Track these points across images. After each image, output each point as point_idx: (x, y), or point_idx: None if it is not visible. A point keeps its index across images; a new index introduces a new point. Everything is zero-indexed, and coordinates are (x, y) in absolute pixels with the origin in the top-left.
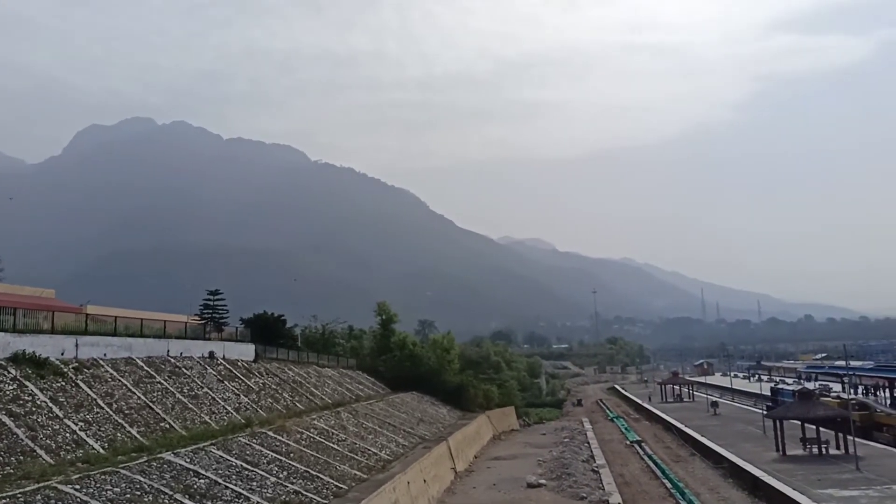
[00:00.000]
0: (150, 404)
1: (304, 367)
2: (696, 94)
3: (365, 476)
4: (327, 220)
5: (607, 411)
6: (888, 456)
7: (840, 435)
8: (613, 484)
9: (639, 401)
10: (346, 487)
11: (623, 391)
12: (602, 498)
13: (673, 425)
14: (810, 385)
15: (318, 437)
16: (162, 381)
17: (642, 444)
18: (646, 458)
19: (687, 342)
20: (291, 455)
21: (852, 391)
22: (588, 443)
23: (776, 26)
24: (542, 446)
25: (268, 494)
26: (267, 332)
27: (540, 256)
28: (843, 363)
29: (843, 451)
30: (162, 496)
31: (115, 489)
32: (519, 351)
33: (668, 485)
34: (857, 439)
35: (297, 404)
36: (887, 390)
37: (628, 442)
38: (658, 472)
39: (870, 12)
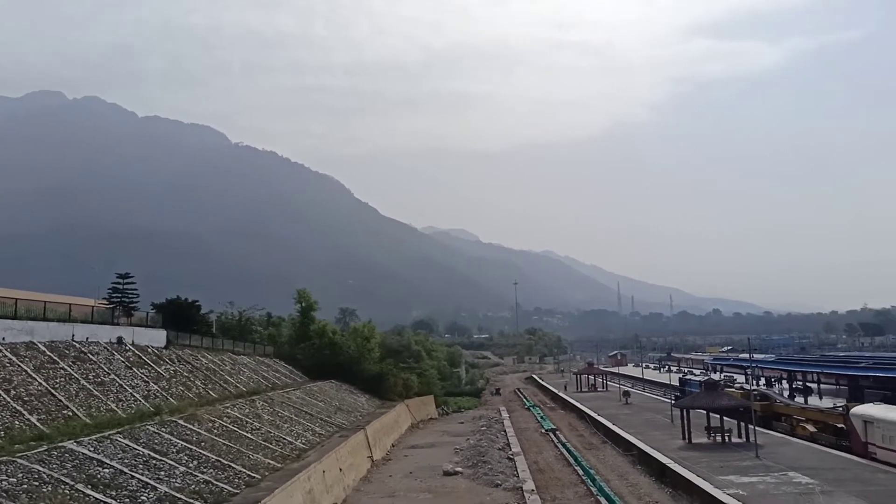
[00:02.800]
0: (53, 391)
1: (219, 355)
2: (618, 93)
3: (279, 465)
4: (247, 205)
5: (525, 400)
6: (785, 444)
7: (742, 424)
8: (528, 471)
9: (555, 390)
10: (259, 477)
11: (540, 381)
12: (516, 485)
13: (586, 414)
14: (716, 376)
15: (231, 426)
16: (66, 367)
17: (557, 432)
18: (560, 445)
19: (603, 334)
20: (203, 444)
21: (755, 382)
22: (505, 431)
23: (694, 31)
24: (460, 434)
25: (176, 484)
26: (180, 317)
27: (463, 247)
28: (747, 356)
29: (745, 440)
30: (62, 486)
31: (11, 479)
32: (440, 340)
33: (580, 472)
34: (757, 428)
35: (210, 392)
36: (786, 382)
37: (544, 430)
38: (571, 460)
39: (782, 21)
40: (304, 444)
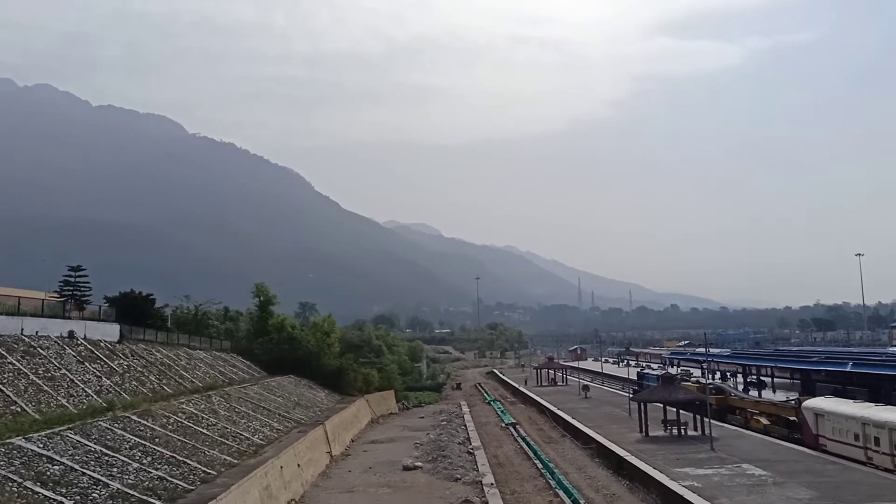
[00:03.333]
0: (0, 386)
1: (174, 349)
2: (578, 90)
3: (236, 461)
4: (205, 197)
5: (485, 395)
6: (739, 437)
7: (698, 417)
8: (487, 465)
9: (515, 385)
10: (215, 473)
11: (501, 375)
12: (476, 479)
13: (546, 408)
14: (673, 370)
15: (186, 422)
16: (14, 362)
17: (517, 426)
18: (520, 439)
19: (563, 328)
20: (157, 440)
21: (711, 376)
22: (465, 426)
23: (654, 29)
24: (420, 429)
25: (129, 481)
26: (134, 311)
27: (425, 241)
28: (703, 350)
29: (700, 432)
30: (10, 484)
31: None
32: (401, 335)
33: (540, 465)
34: (712, 421)
35: (165, 388)
36: (741, 376)
37: (504, 424)
38: (530, 454)
39: (740, 21)
40: (261, 439)
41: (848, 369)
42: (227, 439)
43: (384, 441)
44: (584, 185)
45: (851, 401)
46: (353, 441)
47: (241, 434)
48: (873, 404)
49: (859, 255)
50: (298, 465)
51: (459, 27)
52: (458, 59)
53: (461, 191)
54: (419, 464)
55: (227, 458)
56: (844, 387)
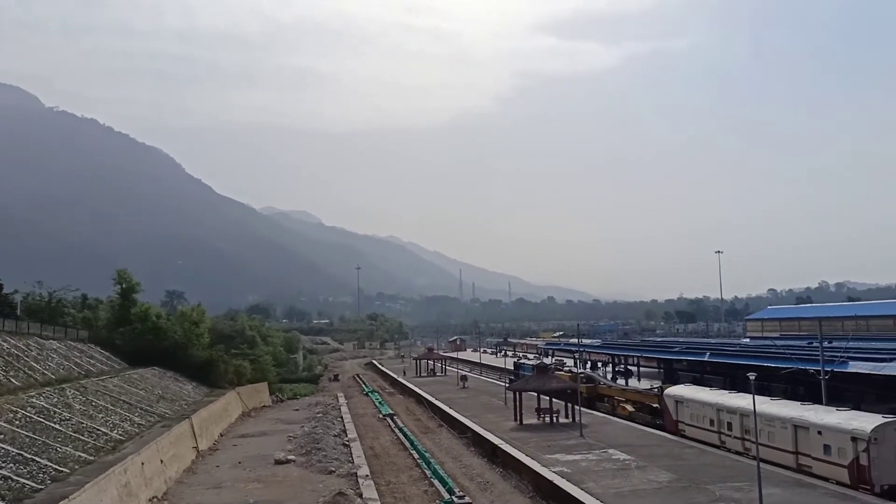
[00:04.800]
0: None
1: (24, 339)
2: (465, 83)
3: (92, 458)
4: (62, 176)
5: (363, 386)
6: (607, 423)
7: (569, 405)
8: (363, 457)
9: (394, 375)
10: (68, 471)
11: (380, 366)
12: (351, 471)
13: (424, 398)
14: (548, 360)
15: (36, 417)
16: None
17: (395, 417)
18: (397, 430)
19: (444, 319)
20: (2, 437)
21: (582, 366)
22: (341, 417)
23: (539, 27)
24: (294, 422)
25: None
26: None
27: (305, 229)
28: (576, 341)
29: (571, 420)
30: None
31: None
32: (277, 325)
33: (416, 455)
34: (583, 409)
35: (12, 380)
36: (610, 365)
37: (381, 415)
38: (407, 444)
39: (620, 25)
40: (121, 435)
41: (706, 359)
42: (83, 435)
43: (256, 435)
44: (469, 178)
45: (707, 388)
46: (222, 435)
47: (98, 429)
48: (727, 391)
49: (719, 252)
50: (162, 462)
51: (348, 12)
52: (345, 45)
53: (344, 179)
54: (292, 457)
55: (83, 454)
56: (703, 375)
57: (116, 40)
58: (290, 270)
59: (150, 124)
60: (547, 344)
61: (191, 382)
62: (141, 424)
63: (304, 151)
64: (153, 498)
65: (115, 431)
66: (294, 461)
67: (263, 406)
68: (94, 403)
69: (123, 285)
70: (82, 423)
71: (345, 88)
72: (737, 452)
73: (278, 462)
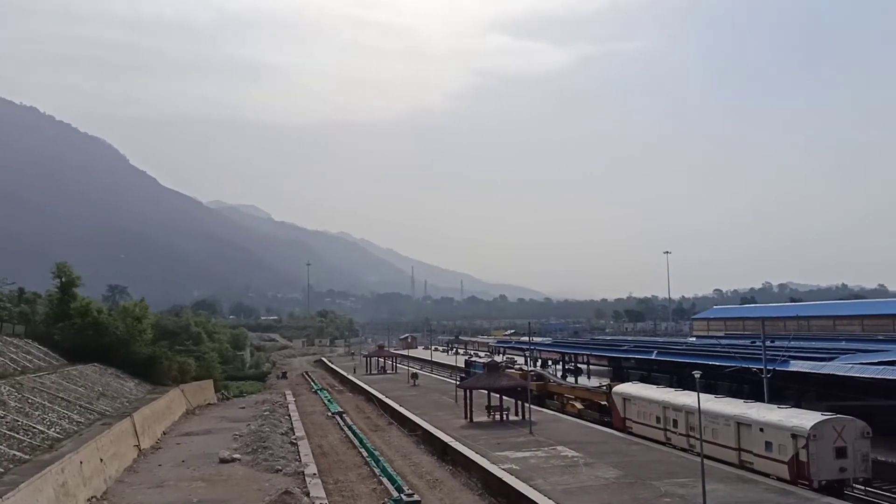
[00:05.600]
0: None
1: None
2: (420, 79)
3: (27, 457)
4: None
5: (312, 384)
6: (556, 421)
7: (519, 403)
8: (311, 455)
9: (344, 373)
10: (2, 470)
11: (330, 364)
12: (298, 469)
13: (374, 396)
14: (499, 358)
15: None
16: None
17: (344, 415)
18: (346, 428)
19: (396, 317)
20: None
21: (533, 364)
22: (289, 415)
23: (493, 26)
24: (240, 420)
25: None
26: None
27: (254, 224)
28: (527, 339)
29: (521, 417)
30: None
31: None
32: (224, 322)
33: (365, 454)
34: (532, 406)
35: None
36: (561, 363)
37: (330, 413)
38: (356, 442)
39: (573, 27)
40: (58, 433)
41: (653, 357)
42: (18, 433)
43: (200, 433)
44: (423, 176)
45: (654, 386)
46: (165, 433)
47: (34, 427)
48: (673, 389)
49: (667, 252)
50: (101, 460)
51: (299, 4)
52: (297, 37)
53: (295, 174)
54: (238, 456)
55: (18, 453)
56: (650, 373)
57: (58, 25)
58: (238, 266)
59: (94, 114)
60: (498, 342)
61: (133, 379)
62: (80, 422)
63: (253, 145)
64: (92, 498)
65: (53, 429)
66: (240, 460)
67: (208, 404)
68: (31, 401)
69: (63, 279)
70: (18, 421)
71: (296, 81)
72: (682, 449)
73: (223, 461)
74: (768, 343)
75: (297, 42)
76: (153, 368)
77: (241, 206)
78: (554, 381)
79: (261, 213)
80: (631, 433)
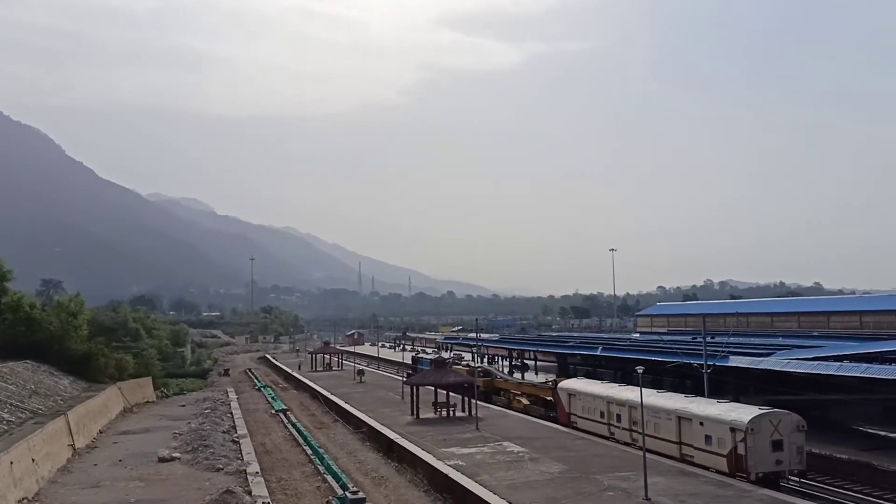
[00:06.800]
0: None
1: None
2: (368, 73)
3: None
4: None
5: (256, 381)
6: (503, 416)
7: (466, 399)
8: (253, 453)
9: (289, 370)
10: None
11: (274, 361)
12: (240, 468)
13: (319, 393)
14: (446, 355)
15: None
16: None
17: (287, 412)
18: (290, 426)
19: (342, 313)
20: None
21: (480, 360)
22: (231, 413)
23: (442, 21)
24: (180, 418)
25: None
26: None
27: (195, 218)
28: (474, 335)
29: (468, 413)
30: None
31: None
32: (164, 318)
33: (309, 451)
34: (479, 402)
35: None
36: (508, 359)
37: (274, 411)
38: (300, 440)
39: (523, 25)
40: None
41: (598, 353)
42: None
43: (138, 431)
44: (371, 170)
45: (599, 382)
46: (101, 432)
47: None
48: (617, 385)
49: (612, 250)
50: (33, 460)
51: None
52: (243, 28)
53: (239, 167)
54: (177, 454)
55: None
56: (595, 369)
57: None
58: (179, 260)
59: (28, 102)
60: (445, 338)
61: (68, 377)
62: (10, 421)
63: (195, 136)
64: (23, 499)
65: None
66: (179, 459)
67: (147, 402)
68: None
69: None
70: None
71: (241, 72)
72: (625, 443)
73: (162, 460)
74: (709, 339)
75: (243, 32)
76: (89, 365)
77: (183, 200)
78: (501, 378)
79: (203, 206)
80: (576, 428)
